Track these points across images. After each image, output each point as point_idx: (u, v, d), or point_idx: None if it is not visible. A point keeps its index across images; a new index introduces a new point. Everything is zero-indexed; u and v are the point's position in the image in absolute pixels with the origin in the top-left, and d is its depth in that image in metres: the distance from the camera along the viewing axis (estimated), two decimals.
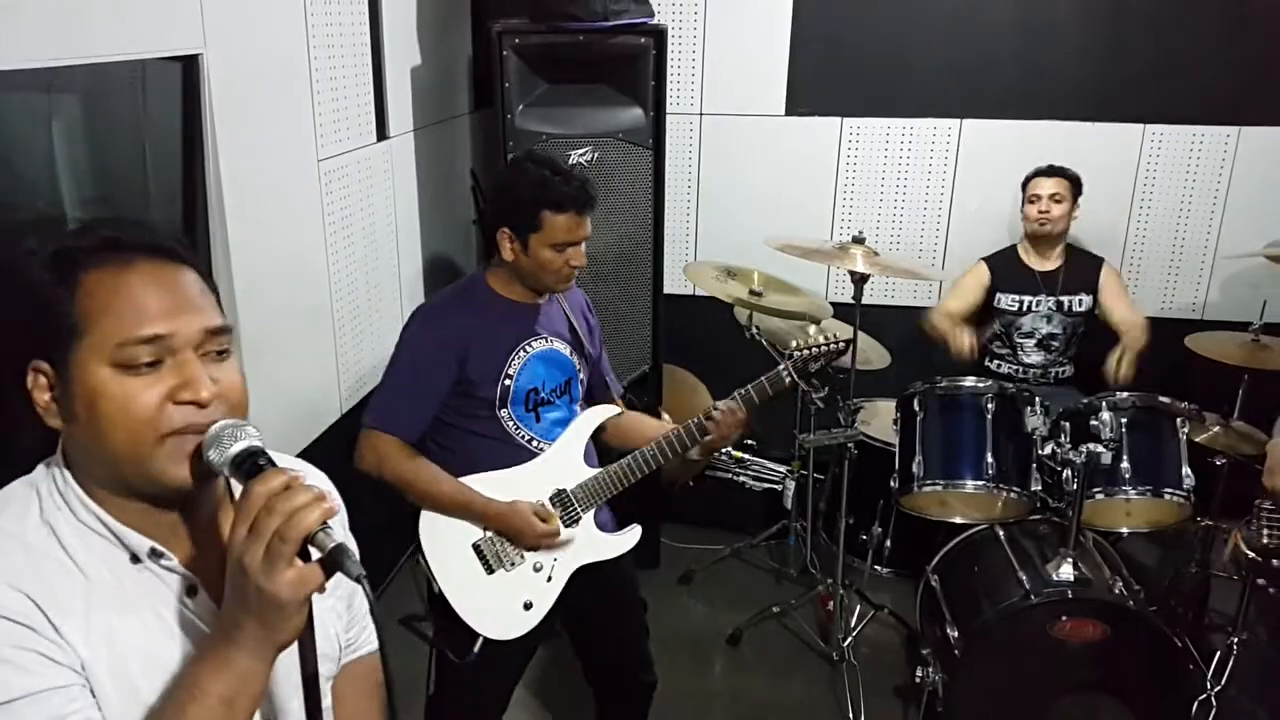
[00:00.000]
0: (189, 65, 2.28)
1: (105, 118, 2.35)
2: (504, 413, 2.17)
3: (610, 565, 2.27)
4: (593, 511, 2.23)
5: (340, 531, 0.94)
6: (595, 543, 2.24)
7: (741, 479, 3.87)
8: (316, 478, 1.25)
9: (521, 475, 2.18)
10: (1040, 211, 3.54)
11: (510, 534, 2.14)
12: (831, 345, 2.30)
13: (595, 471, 2.23)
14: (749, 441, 3.90)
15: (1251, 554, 2.57)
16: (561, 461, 2.21)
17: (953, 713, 2.66)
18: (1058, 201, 3.53)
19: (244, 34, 2.41)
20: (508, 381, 2.14)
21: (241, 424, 0.98)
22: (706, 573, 3.72)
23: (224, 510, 1.09)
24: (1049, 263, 3.63)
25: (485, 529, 2.15)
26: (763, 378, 2.26)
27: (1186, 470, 2.79)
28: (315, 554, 0.92)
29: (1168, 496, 2.79)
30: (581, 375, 2.29)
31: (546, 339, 2.20)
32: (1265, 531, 2.32)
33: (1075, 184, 3.57)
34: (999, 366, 3.67)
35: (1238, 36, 3.59)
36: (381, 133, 3.16)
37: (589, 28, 3.07)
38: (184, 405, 0.96)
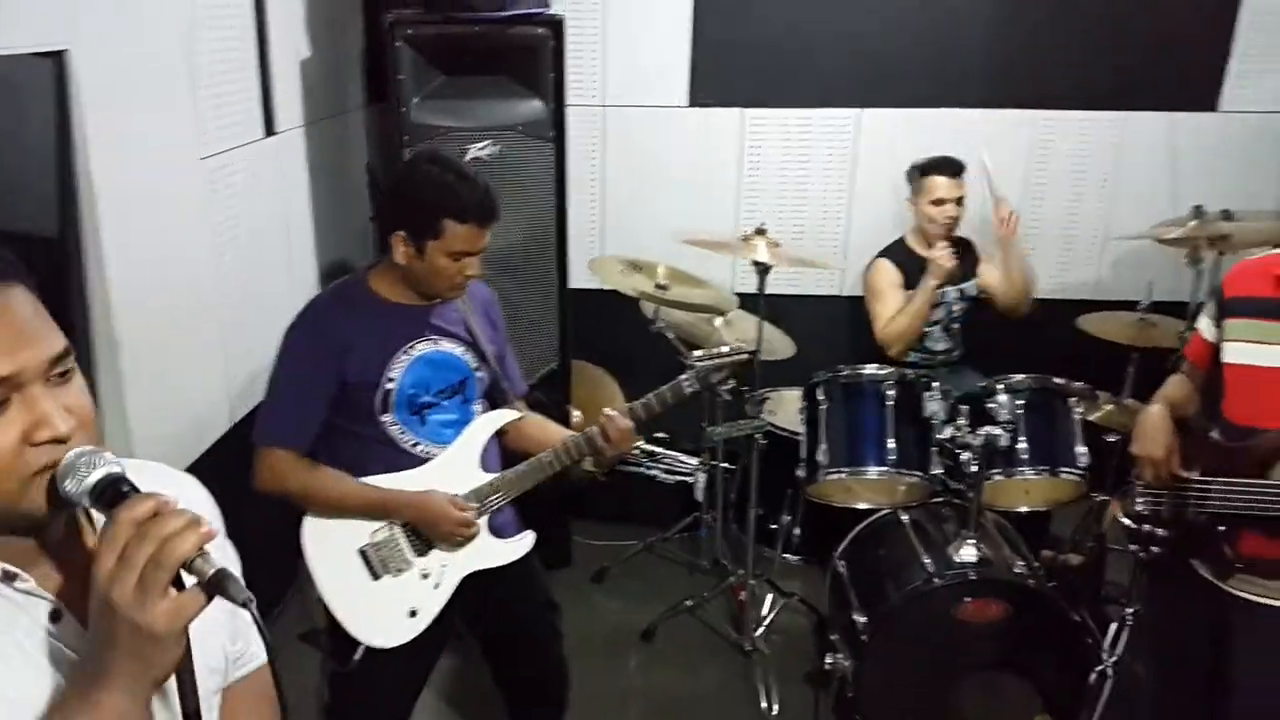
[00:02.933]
0: (58, 62, 2.15)
1: None
2: (386, 418, 2.10)
3: (511, 568, 2.22)
4: (486, 518, 2.18)
5: (217, 556, 0.89)
6: (487, 549, 2.19)
7: (653, 472, 3.86)
8: (193, 489, 1.19)
9: (411, 480, 2.12)
10: (948, 216, 3.47)
11: (425, 523, 2.08)
12: (735, 354, 2.28)
13: (490, 477, 2.17)
14: (659, 435, 3.90)
15: (1129, 523, 2.64)
16: (454, 466, 2.16)
17: (861, 696, 2.69)
18: (959, 203, 3.48)
19: (116, 27, 2.28)
20: (389, 385, 2.07)
21: (97, 450, 0.92)
22: (620, 569, 3.70)
23: (82, 530, 1.02)
24: None
25: (391, 524, 2.10)
26: (664, 387, 2.24)
27: (1081, 449, 2.87)
28: (191, 581, 0.86)
29: (1064, 475, 2.86)
30: (480, 374, 2.22)
31: (433, 340, 2.13)
32: (1139, 501, 2.38)
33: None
34: (909, 356, 3.65)
35: (1125, 24, 3.70)
36: (269, 128, 3.04)
37: (484, 18, 3.01)
38: (42, 445, 0.89)
